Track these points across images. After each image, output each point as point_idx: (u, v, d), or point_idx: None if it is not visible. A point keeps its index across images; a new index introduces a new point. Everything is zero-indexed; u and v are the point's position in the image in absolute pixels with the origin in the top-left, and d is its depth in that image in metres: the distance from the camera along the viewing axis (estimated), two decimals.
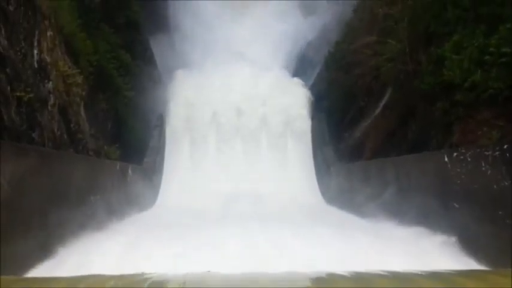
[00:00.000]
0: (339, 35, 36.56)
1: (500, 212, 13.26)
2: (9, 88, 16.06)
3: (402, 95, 23.70)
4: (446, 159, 15.99)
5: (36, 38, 18.80)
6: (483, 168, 14.07)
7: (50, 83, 19.26)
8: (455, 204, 15.47)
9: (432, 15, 21.57)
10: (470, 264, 13.71)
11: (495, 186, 13.49)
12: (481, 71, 17.90)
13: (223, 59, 43.79)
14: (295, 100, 39.01)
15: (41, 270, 13.02)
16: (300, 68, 46.45)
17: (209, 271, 8.80)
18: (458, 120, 18.64)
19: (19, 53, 17.42)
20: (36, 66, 18.51)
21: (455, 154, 15.59)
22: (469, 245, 14.60)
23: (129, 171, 25.57)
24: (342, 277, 7.89)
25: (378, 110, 26.84)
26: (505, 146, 13.25)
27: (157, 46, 40.72)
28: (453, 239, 15.19)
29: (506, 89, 16.98)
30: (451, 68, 19.02)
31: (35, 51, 18.70)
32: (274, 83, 40.32)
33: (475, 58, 18.35)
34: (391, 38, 24.68)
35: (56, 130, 18.96)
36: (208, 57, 45.05)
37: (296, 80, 41.99)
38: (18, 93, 16.39)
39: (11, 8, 17.26)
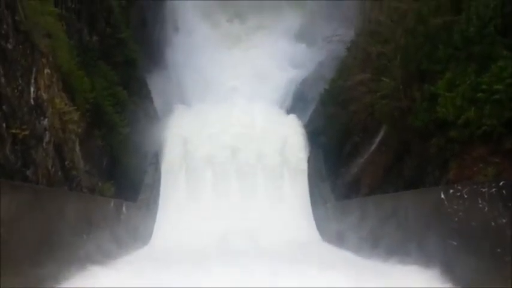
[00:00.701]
0: (333, 72, 37.09)
1: (498, 250, 13.11)
2: (4, 125, 16.07)
3: (397, 131, 23.86)
4: (443, 195, 15.93)
5: (33, 75, 18.96)
6: (480, 205, 14.00)
7: (46, 120, 19.29)
8: (453, 241, 15.31)
9: (424, 53, 21.99)
10: None
11: (493, 224, 13.39)
12: (474, 108, 18.11)
13: (219, 96, 44.17)
14: (291, 137, 39.14)
15: None
16: (295, 104, 46.87)
17: None
18: (454, 156, 18.72)
19: (16, 90, 17.52)
20: (32, 103, 18.59)
21: (451, 191, 15.54)
22: (469, 282, 14.36)
23: (124, 209, 25.29)
24: None
25: (373, 146, 26.97)
26: (502, 183, 13.23)
27: (154, 82, 41.12)
28: (452, 277, 14.97)
29: (500, 126, 17.14)
30: (445, 105, 19.25)
31: (32, 89, 18.81)
32: (270, 120, 40.57)
33: (467, 95, 18.60)
34: (385, 75, 25.04)
35: (50, 167, 18.86)
36: (204, 94, 45.47)
37: (292, 116, 42.29)
38: (13, 131, 16.39)
39: (9, 46, 17.47)
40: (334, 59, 37.98)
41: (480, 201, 14.10)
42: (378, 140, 26.54)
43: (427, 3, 23.04)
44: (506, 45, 18.28)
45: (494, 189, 13.53)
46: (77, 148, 22.71)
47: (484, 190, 13.96)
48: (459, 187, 15.37)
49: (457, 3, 21.65)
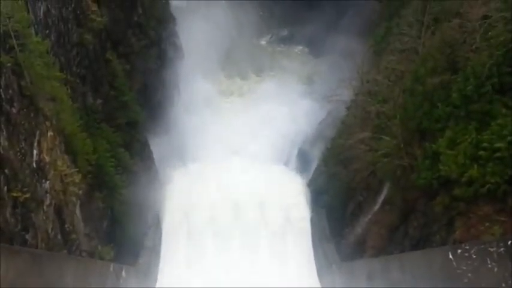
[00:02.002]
0: (334, 131, 37.38)
1: None
2: (6, 189, 15.99)
3: (400, 190, 23.69)
4: (451, 256, 15.53)
5: (36, 138, 19.12)
6: (489, 266, 13.61)
7: (48, 182, 19.23)
8: None
9: (423, 112, 22.26)
10: None
11: (503, 285, 12.96)
12: (477, 165, 18.10)
13: (221, 155, 44.25)
14: (294, 196, 38.82)
15: None
16: (297, 163, 46.87)
17: None
18: (459, 215, 18.48)
19: (19, 153, 17.59)
20: (34, 166, 18.61)
21: (459, 251, 15.18)
22: None
23: (123, 273, 24.64)
24: None
25: (377, 206, 26.67)
26: (510, 242, 12.94)
27: (156, 143, 41.36)
28: None
29: (503, 184, 17.04)
30: (447, 163, 19.25)
31: (35, 151, 18.91)
32: (272, 180, 40.39)
33: (469, 153, 18.65)
34: (385, 134, 25.23)
35: (50, 231, 18.57)
36: (205, 154, 45.57)
37: (294, 175, 42.16)
38: (14, 194, 16.29)
39: (14, 110, 17.75)
40: (335, 118, 38.43)
41: (489, 262, 13.72)
42: (381, 198, 26.29)
43: (424, 64, 23.63)
44: (505, 104, 18.55)
45: (502, 249, 13.21)
46: (77, 211, 22.48)
47: (492, 250, 13.63)
48: (467, 247, 15.01)
49: (453, 63, 22.21)
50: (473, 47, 20.79)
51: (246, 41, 64.21)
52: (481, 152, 18.10)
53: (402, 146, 23.14)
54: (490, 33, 19.71)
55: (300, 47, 64.82)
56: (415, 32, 26.95)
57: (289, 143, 49.06)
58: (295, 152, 48.49)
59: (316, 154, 42.17)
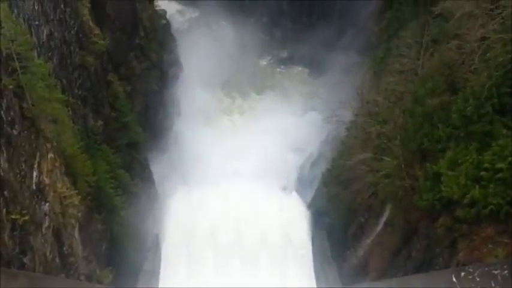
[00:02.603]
0: (334, 151, 37.33)
1: None
2: (5, 211, 15.88)
3: (402, 211, 23.52)
4: (454, 279, 15.31)
5: (36, 160, 19.08)
6: None
7: (47, 204, 19.11)
8: None
9: (424, 133, 22.25)
10: None
11: None
12: (479, 186, 18.00)
13: (221, 176, 44.12)
14: (294, 217, 38.56)
15: None
16: (297, 184, 46.70)
17: None
18: (462, 237, 18.31)
19: (19, 175, 17.53)
20: (34, 188, 18.52)
21: (463, 273, 14.95)
22: None
23: None
24: None
25: (379, 227, 26.45)
26: None
27: (157, 164, 41.32)
28: None
29: (506, 205, 16.93)
30: (448, 184, 19.16)
31: (35, 173, 18.84)
32: (273, 201, 40.17)
33: (471, 174, 18.57)
34: (386, 155, 25.19)
35: (48, 254, 18.37)
36: (206, 175, 45.45)
37: (295, 196, 41.95)
38: (13, 216, 16.15)
39: (15, 132, 17.76)
40: (335, 139, 38.41)
41: (493, 284, 13.52)
42: (383, 220, 26.09)
43: (423, 85, 23.73)
44: (505, 124, 18.56)
45: (506, 271, 13.06)
46: (76, 233, 22.28)
47: (496, 272, 13.45)
48: (470, 269, 14.79)
49: (452, 84, 22.31)
50: (472, 68, 20.91)
51: (247, 62, 64.71)
52: (483, 173, 18.03)
53: (403, 166, 23.07)
54: (488, 54, 19.84)
55: (300, 68, 65.31)
56: (414, 54, 27.16)
57: (289, 163, 49.00)
58: (296, 172, 48.37)
59: (316, 175, 42.05)
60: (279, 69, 65.52)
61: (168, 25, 50.74)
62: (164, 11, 52.15)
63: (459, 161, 19.42)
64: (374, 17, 47.66)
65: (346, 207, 31.68)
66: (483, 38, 20.49)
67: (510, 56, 18.89)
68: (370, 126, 28.58)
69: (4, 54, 17.85)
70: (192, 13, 72.74)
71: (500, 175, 17.35)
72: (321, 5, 65.83)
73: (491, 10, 20.24)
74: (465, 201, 18.17)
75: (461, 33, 22.03)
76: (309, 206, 39.99)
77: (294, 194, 42.61)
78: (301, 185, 45.57)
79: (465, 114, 19.82)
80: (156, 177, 41.11)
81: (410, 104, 24.47)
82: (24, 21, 21.50)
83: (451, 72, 22.35)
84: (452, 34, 23.34)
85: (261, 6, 69.38)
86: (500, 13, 19.75)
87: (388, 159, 24.71)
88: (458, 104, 20.52)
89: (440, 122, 21.29)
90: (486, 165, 18.04)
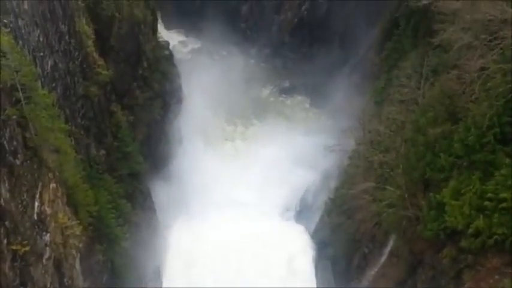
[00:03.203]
0: (337, 180, 37.23)
1: None
2: (5, 241, 15.75)
3: (407, 241, 23.28)
4: None
5: (38, 190, 19.03)
6: None
7: (48, 235, 18.96)
8: None
9: (426, 162, 22.22)
10: None
11: None
12: (483, 216, 17.86)
13: (223, 205, 43.86)
14: (297, 247, 38.13)
15: None
16: (300, 213, 46.36)
17: None
18: (467, 268, 18.07)
19: (20, 205, 17.46)
20: (35, 218, 18.42)
21: None
22: None
23: None
24: None
25: (383, 258, 26.12)
26: None
27: (158, 194, 41.18)
28: None
29: (511, 235, 16.75)
30: (452, 214, 19.02)
31: (36, 203, 18.76)
32: (275, 230, 39.82)
33: (474, 204, 18.45)
34: (389, 184, 25.10)
35: (48, 285, 18.11)
36: (207, 204, 45.19)
37: (298, 225, 41.61)
38: (14, 247, 16.01)
39: (17, 161, 17.78)
40: (337, 168, 38.35)
41: None
42: (387, 250, 25.78)
43: (424, 114, 23.85)
44: (508, 153, 18.55)
45: None
46: (77, 264, 22.02)
47: None
48: None
49: (453, 113, 22.41)
50: (473, 97, 21.03)
51: (249, 91, 65.31)
52: (486, 203, 17.93)
53: (406, 196, 22.96)
54: (488, 84, 19.98)
55: (302, 98, 65.80)
56: (414, 84, 27.40)
57: (291, 192, 48.75)
58: (298, 202, 48.08)
59: (319, 204, 41.79)
60: (281, 99, 66.01)
61: (170, 56, 51.45)
62: (167, 42, 53.02)
63: (462, 191, 19.34)
64: (374, 47, 48.35)
65: (349, 237, 31.38)
66: (483, 68, 20.69)
67: (510, 85, 19.03)
68: (372, 155, 28.59)
69: (8, 85, 18.04)
70: (194, 44, 73.91)
71: (504, 205, 17.25)
72: (322, 36, 66.90)
73: (490, 41, 20.50)
74: (470, 231, 18.01)
75: (461, 63, 22.26)
76: (312, 236, 39.60)
77: (297, 224, 42.27)
78: (304, 215, 45.23)
79: (467, 144, 19.84)
80: (157, 206, 40.91)
81: (411, 133, 24.53)
82: (29, 52, 21.84)
83: (451, 102, 22.48)
84: (451, 64, 23.59)
85: (262, 36, 70.56)
86: (499, 44, 20.01)
87: (391, 188, 24.60)
88: (460, 133, 20.56)
89: (443, 151, 21.30)
90: (490, 194, 17.96)
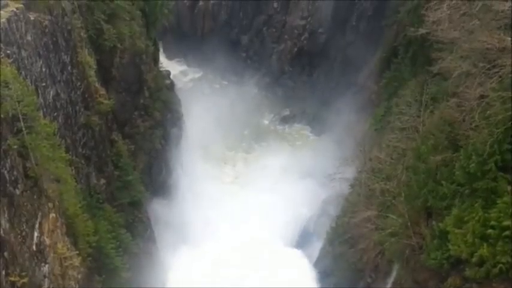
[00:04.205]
0: (338, 209, 37.02)
1: None
2: (4, 273, 15.55)
3: (410, 270, 22.93)
4: None
5: (38, 220, 18.89)
6: None
7: (47, 266, 18.72)
8: None
9: (428, 190, 22.10)
10: None
11: None
12: (486, 245, 17.65)
13: (224, 235, 43.48)
14: (299, 277, 37.58)
15: None
16: (302, 242, 45.89)
17: None
18: None
19: (19, 236, 17.30)
20: (34, 248, 18.22)
21: None
22: None
23: None
24: None
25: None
26: None
27: (158, 222, 40.87)
28: None
29: None
30: (456, 242, 18.80)
31: (35, 234, 18.60)
32: (276, 260, 39.34)
33: (478, 232, 18.25)
34: (391, 212, 24.93)
35: None
36: (209, 233, 44.82)
37: (300, 255, 41.13)
38: (12, 278, 15.80)
39: (17, 191, 17.72)
40: (338, 196, 38.18)
41: None
42: (391, 280, 25.39)
43: (425, 142, 23.87)
44: (509, 181, 18.47)
45: None
46: None
47: None
48: None
49: (454, 141, 22.43)
50: (473, 125, 21.08)
51: (249, 119, 65.75)
52: (490, 231, 17.74)
53: (409, 224, 22.77)
54: (488, 111, 20.06)
55: (302, 126, 66.14)
56: (414, 111, 27.54)
57: (292, 221, 48.39)
58: (300, 231, 47.68)
59: (321, 233, 41.43)
60: (281, 127, 66.36)
61: (172, 85, 51.98)
62: (168, 72, 53.66)
63: (465, 219, 19.17)
64: (373, 76, 48.86)
65: (352, 267, 30.96)
66: (482, 96, 20.82)
67: (510, 113, 19.11)
68: (373, 183, 28.49)
69: (10, 115, 18.15)
70: (195, 73, 74.87)
71: (507, 233, 17.05)
72: (321, 65, 67.74)
73: (489, 69, 20.68)
74: (474, 259, 17.75)
75: (460, 91, 22.41)
76: (314, 265, 39.11)
77: (299, 253, 41.81)
78: (305, 243, 44.80)
79: (469, 171, 19.76)
80: (157, 234, 40.55)
81: (413, 160, 24.50)
82: (31, 82, 22.06)
83: (452, 130, 22.52)
84: (451, 92, 23.75)
85: (262, 65, 71.49)
86: (498, 72, 20.19)
87: (394, 216, 24.42)
88: (461, 161, 20.51)
89: (444, 179, 21.21)
90: (493, 222, 17.78)
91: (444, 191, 21.01)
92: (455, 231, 19.10)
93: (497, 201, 18.35)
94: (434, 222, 20.83)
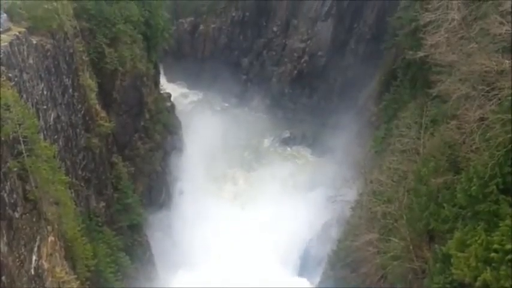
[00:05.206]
0: (339, 232, 36.68)
1: None
2: None
3: None
4: None
5: (36, 243, 18.72)
6: None
7: None
8: None
9: (430, 213, 21.91)
10: None
11: None
12: (490, 268, 17.38)
13: (225, 257, 43.03)
14: None
15: None
16: (303, 266, 45.36)
17: None
18: None
19: (18, 260, 17.12)
20: (32, 272, 18.01)
21: None
22: None
23: None
24: None
25: None
26: None
27: (158, 245, 40.49)
28: None
29: None
30: (459, 266, 18.50)
31: (34, 257, 18.40)
32: (278, 283, 38.79)
33: (480, 256, 17.98)
34: (393, 235, 24.66)
35: None
36: (210, 255, 44.34)
37: (300, 279, 40.59)
38: None
39: (16, 214, 17.60)
40: (339, 219, 37.90)
41: None
42: None
43: (426, 164, 23.76)
44: (511, 204, 18.32)
45: None
46: None
47: None
48: None
49: (455, 163, 22.34)
50: (473, 147, 21.02)
51: (250, 141, 65.85)
52: (493, 254, 17.48)
53: (411, 248, 22.48)
54: (488, 134, 20.03)
55: (302, 147, 66.15)
56: (414, 133, 27.52)
57: (293, 245, 47.93)
58: (301, 254, 47.18)
59: (322, 256, 40.98)
60: (281, 149, 66.38)
61: (172, 107, 52.24)
62: (169, 94, 54.01)
63: (468, 242, 18.91)
64: (373, 98, 49.10)
65: None
66: (482, 119, 20.82)
67: (510, 135, 19.08)
68: (375, 206, 28.26)
69: (11, 138, 18.15)
70: (196, 95, 75.31)
71: (510, 256, 16.80)
72: (321, 87, 68.20)
73: (488, 92, 20.73)
74: (477, 284, 17.46)
75: (460, 113, 22.43)
76: None
77: (300, 277, 41.28)
78: (307, 267, 44.27)
79: (470, 194, 19.60)
80: (157, 258, 40.17)
81: (414, 183, 24.37)
82: (32, 105, 22.16)
83: (452, 152, 22.46)
84: (451, 115, 23.76)
85: (263, 88, 71.95)
86: (497, 94, 20.24)
87: (396, 240, 24.13)
88: (462, 183, 20.38)
89: (446, 202, 21.05)
90: (496, 246, 17.54)
91: (446, 214, 20.82)
92: (458, 255, 18.83)
93: (500, 224, 18.15)
94: (436, 246, 20.58)
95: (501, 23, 19.59)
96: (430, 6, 24.17)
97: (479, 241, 18.39)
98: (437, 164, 22.84)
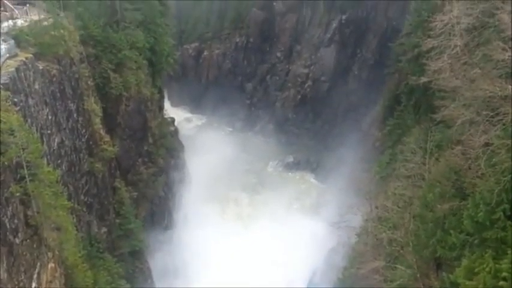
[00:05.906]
0: (345, 259, 36.10)
1: None
2: None
3: None
4: None
5: (36, 270, 18.46)
6: None
7: None
8: None
9: (437, 240, 21.54)
10: None
11: None
12: None
13: (228, 284, 42.36)
14: None
15: None
16: None
17: None
18: None
19: (17, 287, 16.87)
20: None
21: None
22: None
23: None
24: None
25: None
26: None
27: (158, 265, 39.96)
28: None
29: None
30: None
31: (34, 285, 18.12)
32: None
33: (489, 284, 17.56)
34: (399, 262, 24.20)
35: None
36: (208, 276, 43.73)
37: None
38: None
39: (17, 240, 17.40)
40: (345, 246, 37.36)
41: None
42: None
43: (431, 190, 23.48)
44: None
45: None
46: None
47: None
48: None
49: (461, 189, 22.06)
50: (479, 173, 20.78)
51: (253, 166, 65.71)
52: (502, 283, 17.08)
53: (419, 276, 22.02)
54: (494, 159, 19.82)
55: (306, 172, 65.91)
56: (419, 159, 27.31)
57: (298, 271, 47.19)
58: (306, 283, 46.41)
59: (327, 285, 40.24)
60: (285, 174, 66.16)
61: (176, 132, 52.39)
62: (173, 118, 54.25)
63: (476, 270, 18.50)
64: (377, 123, 49.07)
65: None
66: (487, 144, 20.64)
67: None
68: (380, 232, 27.84)
69: (14, 162, 18.09)
70: (199, 120, 75.70)
71: None
72: (324, 112, 68.42)
73: (492, 117, 20.62)
74: None
75: (465, 139, 22.26)
76: None
77: None
78: None
79: (477, 221, 19.29)
80: (158, 284, 39.57)
81: (420, 209, 24.04)
82: (37, 130, 22.18)
83: (458, 178, 22.22)
84: (455, 140, 23.61)
85: (266, 112, 72.29)
86: (501, 120, 20.12)
87: (402, 267, 23.66)
88: (468, 209, 20.07)
89: (453, 228, 20.70)
90: (504, 274, 17.15)
91: (453, 241, 20.44)
92: (466, 283, 18.41)
93: (508, 252, 17.79)
94: (444, 274, 20.15)
95: (503, 49, 19.62)
96: (432, 32, 24.30)
97: (487, 269, 17.99)
98: (443, 189, 22.57)
